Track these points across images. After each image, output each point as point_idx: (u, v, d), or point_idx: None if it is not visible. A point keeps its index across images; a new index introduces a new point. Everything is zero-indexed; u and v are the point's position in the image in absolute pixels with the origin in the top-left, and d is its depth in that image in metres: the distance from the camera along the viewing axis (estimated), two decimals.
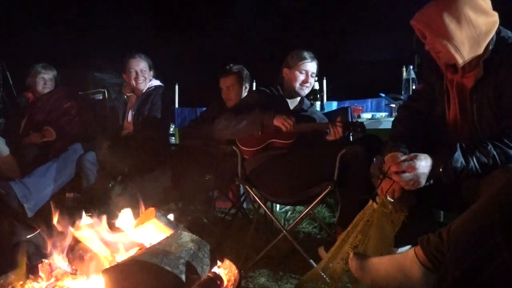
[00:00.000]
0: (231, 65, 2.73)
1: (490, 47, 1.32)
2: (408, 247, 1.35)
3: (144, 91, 2.72)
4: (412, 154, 1.28)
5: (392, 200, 1.30)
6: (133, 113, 2.70)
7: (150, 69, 2.73)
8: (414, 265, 1.13)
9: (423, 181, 1.25)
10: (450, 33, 1.28)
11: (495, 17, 1.33)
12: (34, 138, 2.78)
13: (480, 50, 1.32)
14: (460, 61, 1.31)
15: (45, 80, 2.96)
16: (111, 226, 1.26)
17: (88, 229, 1.19)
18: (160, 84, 2.80)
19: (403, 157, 1.29)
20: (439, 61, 1.40)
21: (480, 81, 1.33)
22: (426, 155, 1.26)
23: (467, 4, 1.28)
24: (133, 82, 2.70)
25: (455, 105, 1.42)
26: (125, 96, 2.81)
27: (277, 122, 1.95)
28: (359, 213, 1.38)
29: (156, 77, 2.83)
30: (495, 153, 1.22)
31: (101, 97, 3.57)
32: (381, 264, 1.20)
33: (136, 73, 2.69)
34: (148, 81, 2.74)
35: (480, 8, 1.30)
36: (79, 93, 3.38)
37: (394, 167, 1.28)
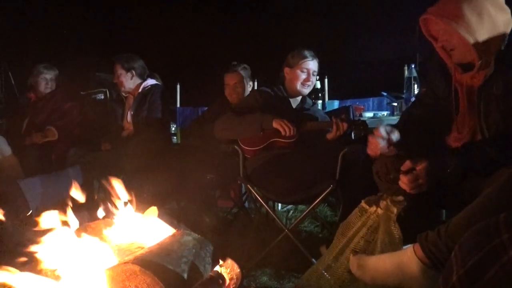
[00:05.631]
0: (235, 62, 2.75)
1: (503, 46, 1.30)
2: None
3: (140, 91, 2.72)
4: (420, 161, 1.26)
5: (402, 199, 1.28)
6: (131, 113, 2.70)
7: (127, 71, 2.69)
8: (413, 262, 1.13)
9: (429, 184, 1.24)
10: (472, 27, 1.23)
11: (510, 14, 1.30)
12: (36, 138, 2.79)
13: (496, 48, 1.29)
14: (479, 57, 1.27)
15: (47, 80, 2.96)
16: (113, 226, 1.26)
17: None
18: (157, 83, 2.80)
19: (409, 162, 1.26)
20: (452, 59, 1.35)
21: (489, 78, 1.30)
22: (432, 158, 1.25)
23: None
24: None
25: (464, 107, 1.38)
26: (123, 97, 2.82)
27: (276, 124, 1.95)
28: (353, 213, 1.37)
29: (150, 75, 2.82)
30: (499, 151, 1.21)
31: (102, 97, 3.58)
32: (380, 261, 1.20)
33: (117, 76, 2.70)
34: (131, 82, 2.72)
35: (499, 4, 1.27)
36: (81, 93, 3.39)
37: (405, 179, 1.24)
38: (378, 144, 1.35)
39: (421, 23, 1.38)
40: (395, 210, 1.27)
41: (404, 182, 1.25)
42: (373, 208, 1.32)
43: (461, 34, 1.25)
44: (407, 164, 1.24)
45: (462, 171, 1.22)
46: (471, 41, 1.25)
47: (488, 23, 1.25)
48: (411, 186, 1.24)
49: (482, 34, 1.25)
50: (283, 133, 1.93)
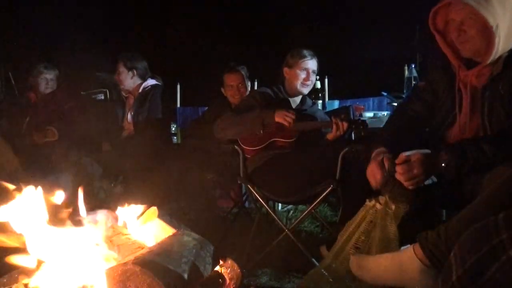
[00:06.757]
0: (233, 63, 2.76)
1: None
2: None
3: (140, 91, 2.72)
4: (415, 152, 1.26)
5: (403, 200, 1.28)
6: (132, 113, 2.70)
7: (129, 70, 2.71)
8: (413, 262, 1.13)
9: (425, 178, 1.24)
10: (498, 14, 1.20)
11: None
12: (36, 138, 2.78)
13: (509, 46, 1.27)
14: (495, 52, 1.24)
15: (47, 80, 2.96)
16: (113, 226, 1.26)
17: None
18: (157, 83, 2.80)
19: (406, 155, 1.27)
20: (462, 53, 1.32)
21: (495, 78, 1.29)
22: (428, 153, 1.25)
23: None
24: None
25: (467, 106, 1.37)
26: (123, 97, 2.82)
27: (278, 117, 1.95)
28: (359, 212, 1.37)
29: (152, 76, 2.83)
30: (498, 149, 1.21)
31: (102, 97, 3.58)
32: (380, 261, 1.20)
33: (118, 73, 2.71)
34: (131, 81, 2.73)
35: None
36: (81, 93, 3.39)
37: (400, 168, 1.25)
38: (379, 172, 1.31)
39: (430, 16, 1.34)
40: (393, 207, 1.28)
41: (399, 172, 1.25)
42: (372, 203, 1.33)
43: (487, 18, 1.20)
44: (401, 157, 1.25)
45: (458, 167, 1.21)
46: (494, 28, 1.21)
47: (510, 17, 1.22)
48: (405, 176, 1.24)
49: (504, 27, 1.22)
50: (286, 124, 1.93)
